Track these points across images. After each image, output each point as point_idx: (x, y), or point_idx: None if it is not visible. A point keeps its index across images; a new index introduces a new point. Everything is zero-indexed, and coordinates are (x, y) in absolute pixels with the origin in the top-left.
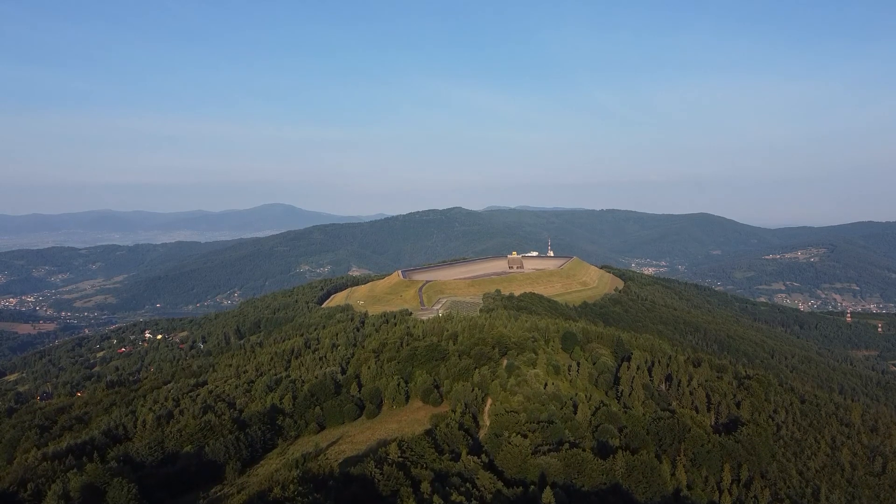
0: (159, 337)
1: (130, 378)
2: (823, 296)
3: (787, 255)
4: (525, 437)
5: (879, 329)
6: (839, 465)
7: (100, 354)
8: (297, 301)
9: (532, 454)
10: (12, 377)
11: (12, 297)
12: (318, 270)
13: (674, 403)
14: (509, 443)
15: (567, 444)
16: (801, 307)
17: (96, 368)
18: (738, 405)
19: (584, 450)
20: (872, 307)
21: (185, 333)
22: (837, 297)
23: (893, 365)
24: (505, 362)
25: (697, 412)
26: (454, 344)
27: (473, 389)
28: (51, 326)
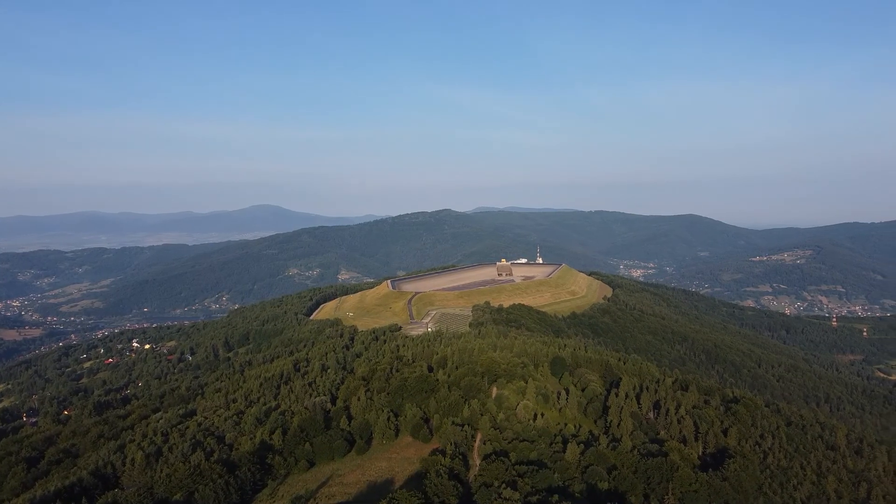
0: (147, 347)
1: (118, 397)
2: (810, 298)
3: (774, 257)
4: (515, 485)
5: (865, 333)
6: (825, 494)
7: (87, 365)
8: (285, 312)
9: None
10: None
11: None
12: (306, 273)
13: (662, 433)
14: (499, 495)
15: (557, 496)
16: (788, 310)
17: (83, 381)
18: (725, 433)
19: (572, 501)
20: (858, 309)
21: (172, 343)
22: (823, 298)
23: (878, 370)
24: (494, 392)
25: (685, 443)
26: (443, 371)
27: (463, 427)
28: (37, 332)
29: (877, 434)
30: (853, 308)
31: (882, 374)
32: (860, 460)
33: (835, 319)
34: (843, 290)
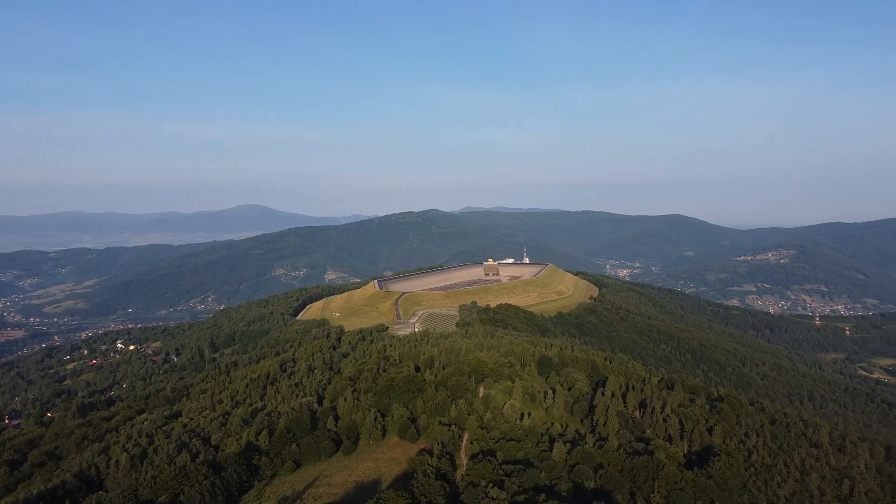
0: (132, 348)
1: (102, 398)
2: (793, 297)
3: (759, 257)
4: (502, 484)
5: (847, 332)
6: (808, 491)
7: (70, 367)
8: (272, 312)
9: None
10: None
11: None
12: (293, 274)
13: (648, 432)
14: (486, 495)
15: (543, 495)
16: (772, 309)
17: (67, 382)
18: (710, 431)
19: (559, 500)
20: (840, 308)
21: (157, 344)
22: (807, 298)
23: (861, 368)
24: (482, 392)
25: (671, 441)
26: (430, 371)
27: (451, 427)
28: (19, 333)
29: (859, 431)
30: (836, 307)
31: (864, 373)
32: (843, 457)
33: (818, 318)
34: (827, 289)
